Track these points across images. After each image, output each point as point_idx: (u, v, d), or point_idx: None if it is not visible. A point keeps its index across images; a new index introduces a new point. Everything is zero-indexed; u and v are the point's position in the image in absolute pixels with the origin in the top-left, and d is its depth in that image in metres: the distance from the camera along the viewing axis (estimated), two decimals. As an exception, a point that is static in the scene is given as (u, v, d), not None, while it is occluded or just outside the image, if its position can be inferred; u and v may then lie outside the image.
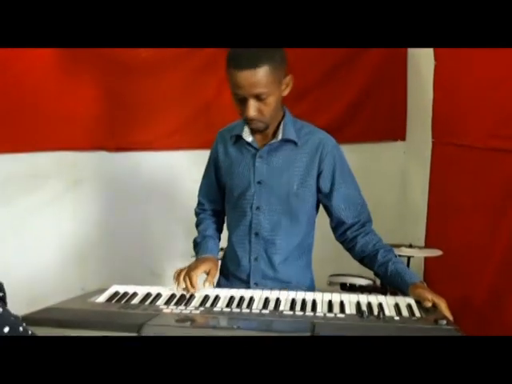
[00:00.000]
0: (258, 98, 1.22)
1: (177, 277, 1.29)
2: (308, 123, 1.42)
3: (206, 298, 1.24)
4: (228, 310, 1.14)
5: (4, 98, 2.22)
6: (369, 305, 1.18)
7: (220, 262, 1.59)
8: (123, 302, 1.22)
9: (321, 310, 1.15)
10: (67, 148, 2.43)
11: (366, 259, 1.38)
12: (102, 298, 1.24)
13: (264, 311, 1.12)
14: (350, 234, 1.39)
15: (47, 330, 0.99)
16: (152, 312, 1.10)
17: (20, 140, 2.30)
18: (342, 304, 1.18)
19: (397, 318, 1.08)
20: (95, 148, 2.49)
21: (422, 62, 2.41)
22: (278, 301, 1.20)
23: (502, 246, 1.75)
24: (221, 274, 1.54)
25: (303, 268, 1.46)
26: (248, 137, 1.37)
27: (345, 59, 2.49)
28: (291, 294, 1.24)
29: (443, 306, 1.14)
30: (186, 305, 1.19)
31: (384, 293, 1.97)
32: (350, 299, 1.21)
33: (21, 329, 0.78)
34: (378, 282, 2.11)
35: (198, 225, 1.55)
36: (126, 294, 1.27)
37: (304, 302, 1.19)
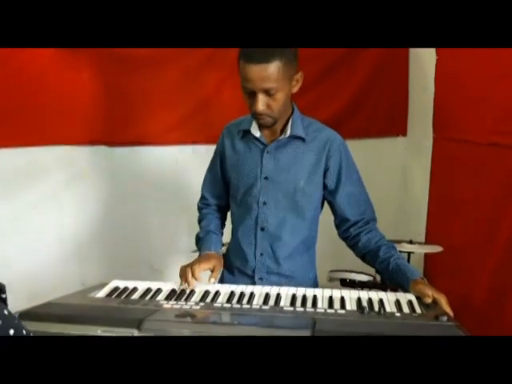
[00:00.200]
0: (268, 92, 1.22)
1: (183, 273, 1.29)
2: (316, 120, 1.42)
3: (207, 293, 1.23)
4: (228, 305, 1.13)
5: (3, 93, 2.21)
6: (369, 301, 1.17)
7: (224, 255, 1.59)
8: (123, 297, 1.22)
9: (321, 305, 1.15)
10: (67, 143, 2.42)
11: (367, 256, 1.38)
12: (102, 293, 1.24)
13: (264, 307, 1.12)
14: (354, 232, 1.40)
15: (47, 325, 0.99)
16: (152, 307, 1.10)
17: (19, 135, 2.29)
18: (342, 300, 1.17)
19: (398, 314, 1.08)
20: (95, 143, 2.48)
21: (423, 57, 2.40)
22: (278, 296, 1.20)
23: (503, 242, 1.75)
24: (225, 268, 1.54)
25: (307, 263, 1.46)
26: (256, 132, 1.37)
27: (346, 55, 2.48)
28: (292, 290, 1.24)
29: (443, 301, 1.14)
30: (186, 300, 1.18)
31: (384, 289, 1.97)
32: (351, 295, 1.21)
33: (24, 332, 0.78)
34: (378, 277, 2.11)
35: (200, 220, 1.54)
36: (126, 289, 1.27)
37: (304, 298, 1.19)
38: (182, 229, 2.61)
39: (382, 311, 1.07)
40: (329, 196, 1.41)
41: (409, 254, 2.01)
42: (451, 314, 1.10)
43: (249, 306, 1.13)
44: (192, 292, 1.25)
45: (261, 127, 1.36)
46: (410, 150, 2.66)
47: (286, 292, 1.23)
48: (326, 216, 1.48)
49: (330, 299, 1.18)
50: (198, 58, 2.42)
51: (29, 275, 2.36)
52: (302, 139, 1.36)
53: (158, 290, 1.26)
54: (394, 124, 2.64)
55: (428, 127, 2.33)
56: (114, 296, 1.23)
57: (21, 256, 2.36)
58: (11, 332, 0.75)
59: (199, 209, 1.58)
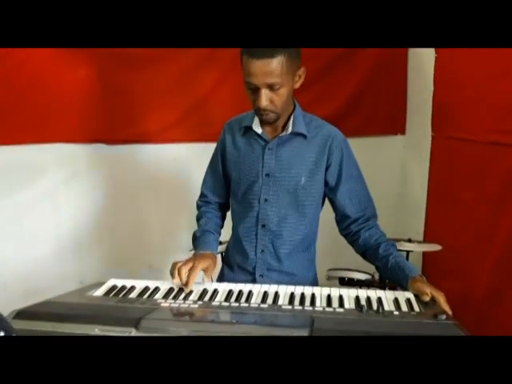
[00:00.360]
0: (271, 88, 1.22)
1: (173, 271, 1.28)
2: (317, 117, 1.42)
3: (205, 292, 1.23)
4: (227, 304, 1.13)
5: (2, 91, 2.21)
6: (368, 299, 1.17)
7: (223, 253, 1.59)
8: (121, 295, 1.22)
9: (320, 304, 1.15)
10: (65, 141, 2.41)
11: (367, 253, 1.38)
12: (99, 292, 1.24)
13: (263, 305, 1.12)
14: (354, 228, 1.40)
15: (44, 324, 0.98)
16: (150, 306, 1.10)
17: (17, 132, 2.29)
18: (341, 298, 1.17)
19: (396, 312, 1.08)
20: (93, 140, 2.47)
21: (422, 55, 2.40)
22: (276, 295, 1.19)
23: (502, 241, 1.74)
24: (225, 264, 1.54)
25: (308, 260, 1.47)
26: (258, 128, 1.37)
27: (345, 53, 2.47)
28: (290, 289, 1.24)
29: (442, 299, 1.14)
30: (184, 299, 1.18)
31: (382, 287, 1.97)
32: (349, 294, 1.21)
33: (13, 334, 0.77)
34: (377, 276, 2.11)
35: (199, 218, 1.53)
36: (123, 287, 1.27)
37: (303, 297, 1.19)
38: (181, 227, 2.61)
39: (381, 310, 1.07)
40: (329, 193, 1.41)
41: (407, 252, 2.01)
42: (450, 312, 1.10)
43: (247, 305, 1.12)
44: (190, 291, 1.24)
45: (262, 124, 1.36)
46: (408, 149, 2.65)
47: (285, 290, 1.23)
48: (324, 214, 1.48)
49: (329, 298, 1.18)
50: (196, 56, 2.42)
51: (26, 273, 2.35)
52: (304, 136, 1.35)
53: (156, 289, 1.26)
54: (392, 122, 2.64)
55: (427, 126, 2.33)
56: (111, 295, 1.22)
57: (18, 254, 2.35)
58: (1, 334, 0.74)
59: (198, 207, 1.57)
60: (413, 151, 2.61)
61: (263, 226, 1.39)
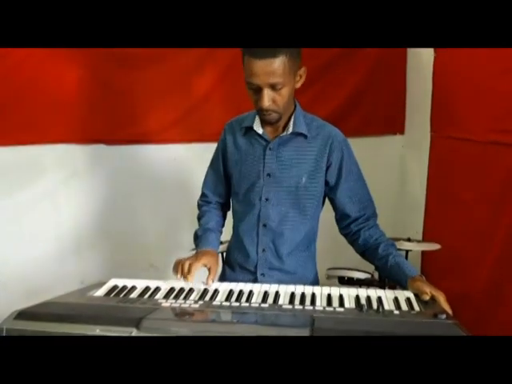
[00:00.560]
0: (274, 87, 1.22)
1: (176, 266, 1.29)
2: (317, 117, 1.42)
3: (205, 291, 1.23)
4: (227, 303, 1.13)
5: (1, 91, 2.20)
6: (368, 299, 1.17)
7: (225, 252, 1.60)
8: (122, 295, 1.22)
9: (320, 303, 1.15)
10: (65, 141, 2.41)
11: (367, 252, 1.38)
12: (100, 292, 1.24)
13: (263, 305, 1.12)
14: (354, 228, 1.41)
15: (45, 324, 0.98)
16: (151, 306, 1.10)
17: (17, 133, 2.29)
18: (341, 298, 1.18)
19: (396, 311, 1.08)
20: (93, 141, 2.47)
21: (421, 55, 2.40)
22: (277, 295, 1.20)
23: (501, 240, 1.75)
24: (226, 264, 1.55)
25: (308, 259, 1.47)
26: (259, 128, 1.37)
27: (344, 53, 2.48)
28: (290, 288, 1.24)
29: (442, 299, 1.14)
30: (185, 299, 1.18)
31: (382, 286, 1.97)
32: (349, 293, 1.21)
33: None
34: (376, 275, 2.11)
35: (200, 217, 1.54)
36: (124, 287, 1.27)
37: (303, 296, 1.19)
38: (182, 227, 2.61)
39: (381, 309, 1.08)
40: (330, 192, 1.41)
41: (406, 251, 2.01)
42: (450, 311, 1.11)
43: (247, 305, 1.13)
44: (191, 290, 1.24)
45: (263, 124, 1.36)
46: (407, 148, 2.66)
47: (285, 290, 1.23)
48: (324, 213, 1.49)
49: (329, 297, 1.18)
50: (196, 56, 2.42)
51: (27, 274, 2.36)
52: (305, 136, 1.36)
53: (157, 289, 1.26)
54: (391, 122, 2.64)
55: (426, 125, 2.33)
56: (112, 295, 1.22)
57: (19, 254, 2.35)
58: None
59: (199, 206, 1.57)
60: (412, 151, 2.62)
61: (264, 225, 1.40)
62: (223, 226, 1.56)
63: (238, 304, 1.13)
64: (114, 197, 2.56)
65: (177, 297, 1.20)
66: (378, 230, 1.40)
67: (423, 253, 2.37)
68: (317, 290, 1.23)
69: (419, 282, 1.21)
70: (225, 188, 1.52)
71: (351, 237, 1.43)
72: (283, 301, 1.17)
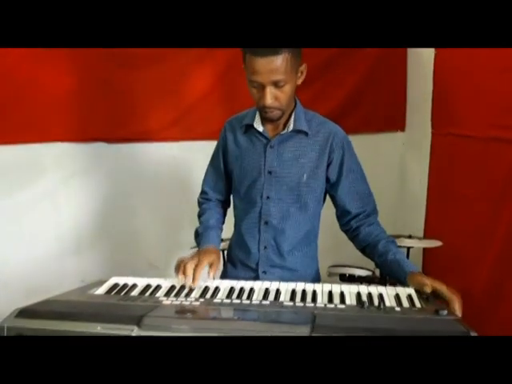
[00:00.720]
0: (276, 85, 1.22)
1: (178, 268, 1.28)
2: (319, 114, 1.42)
3: (206, 289, 1.23)
4: (228, 301, 1.13)
5: (0, 89, 2.20)
6: (369, 295, 1.17)
7: (226, 251, 1.60)
8: (122, 293, 1.22)
9: (321, 300, 1.15)
10: (64, 139, 2.41)
11: (367, 249, 1.38)
12: (101, 290, 1.24)
13: (264, 302, 1.12)
14: (354, 224, 1.41)
15: (46, 323, 0.98)
16: (152, 304, 1.10)
17: (17, 132, 2.28)
18: (342, 295, 1.17)
19: (397, 308, 1.08)
20: (93, 139, 2.47)
21: (422, 52, 2.40)
22: (278, 292, 1.20)
23: (502, 237, 1.75)
24: (228, 261, 1.55)
25: (310, 256, 1.47)
26: (259, 126, 1.37)
27: (344, 50, 2.47)
28: (291, 285, 1.24)
29: (444, 288, 1.13)
30: (186, 296, 1.18)
31: (383, 283, 1.97)
32: (351, 290, 1.21)
33: None
34: (378, 272, 2.11)
35: (200, 215, 1.54)
36: (125, 285, 1.27)
37: (304, 293, 1.19)
38: (182, 225, 2.61)
39: (382, 306, 1.07)
40: (331, 189, 1.41)
41: (408, 248, 2.02)
42: (456, 298, 1.11)
43: (248, 302, 1.12)
44: (192, 288, 1.24)
45: (264, 121, 1.36)
46: (408, 146, 2.66)
47: (286, 287, 1.23)
48: (325, 211, 1.49)
49: (330, 294, 1.18)
50: (196, 54, 2.42)
51: (27, 272, 2.35)
52: (305, 133, 1.36)
53: (158, 287, 1.26)
54: (392, 119, 2.64)
55: (426, 122, 2.33)
56: (113, 293, 1.22)
57: (19, 253, 2.35)
58: None
59: (199, 203, 1.57)
60: (412, 148, 2.62)
61: (266, 222, 1.40)
62: (223, 223, 1.56)
63: (239, 301, 1.13)
64: (113, 195, 2.55)
65: (178, 294, 1.20)
66: (378, 227, 1.40)
67: (424, 250, 2.37)
68: (318, 287, 1.23)
69: (419, 276, 1.20)
70: (225, 185, 1.52)
71: (351, 233, 1.43)
72: (284, 298, 1.17)
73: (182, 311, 1.04)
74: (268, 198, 1.38)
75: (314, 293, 1.19)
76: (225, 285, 1.26)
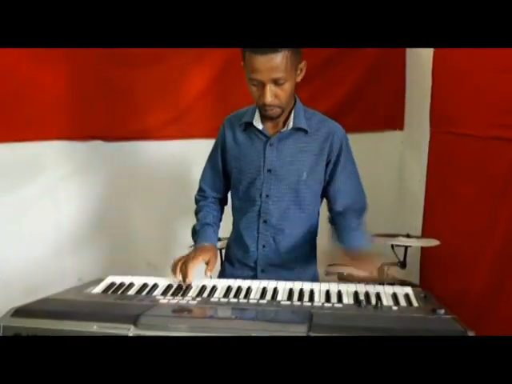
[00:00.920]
0: (276, 82, 1.22)
1: (174, 267, 1.28)
2: (318, 112, 1.42)
3: (203, 288, 1.23)
4: (225, 300, 1.13)
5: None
6: (366, 294, 1.17)
7: (224, 249, 1.60)
8: (119, 292, 1.22)
9: (319, 299, 1.15)
10: (63, 138, 2.41)
11: (335, 230, 1.40)
12: (98, 289, 1.24)
13: (262, 301, 1.12)
14: (338, 220, 1.41)
15: (43, 321, 0.98)
16: (148, 303, 1.10)
17: (16, 130, 2.28)
18: (339, 294, 1.17)
19: (394, 307, 1.08)
20: (91, 137, 2.47)
21: (420, 51, 2.39)
22: (275, 291, 1.19)
23: (500, 236, 1.74)
24: (226, 260, 1.55)
25: (309, 255, 1.48)
26: (259, 124, 1.37)
27: (342, 49, 2.47)
28: (289, 284, 1.24)
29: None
30: (183, 295, 1.18)
31: (381, 283, 1.97)
32: (348, 289, 1.21)
33: None
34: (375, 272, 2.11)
35: (197, 212, 1.53)
36: (122, 284, 1.27)
37: (302, 292, 1.19)
38: (180, 224, 2.60)
39: (379, 305, 1.07)
40: (326, 185, 1.41)
41: (405, 247, 2.01)
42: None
43: (246, 301, 1.13)
44: (189, 287, 1.24)
45: (263, 119, 1.36)
46: (407, 144, 2.65)
47: (283, 286, 1.23)
48: (323, 209, 1.48)
49: (327, 293, 1.18)
50: (195, 53, 2.41)
51: (25, 270, 2.35)
52: (305, 131, 1.36)
53: (155, 286, 1.26)
54: (391, 118, 2.64)
55: (425, 121, 2.33)
56: (110, 292, 1.22)
57: (18, 251, 2.35)
58: None
59: (196, 201, 1.57)
60: (411, 147, 2.62)
61: (265, 221, 1.40)
62: (221, 220, 1.56)
63: (236, 300, 1.13)
64: (112, 194, 2.55)
65: (175, 293, 1.20)
66: (355, 220, 1.38)
67: (422, 249, 2.37)
68: (315, 286, 1.23)
69: (348, 253, 1.25)
70: (222, 183, 1.52)
71: (333, 226, 1.43)
72: (282, 297, 1.17)
73: (178, 310, 1.04)
74: (267, 196, 1.38)
75: (312, 292, 1.19)
76: (222, 284, 1.26)
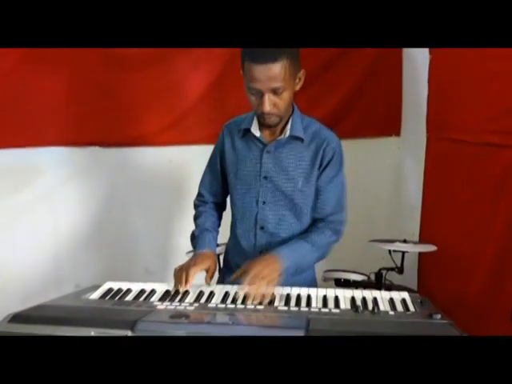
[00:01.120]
0: (275, 92, 1.23)
1: (178, 275, 1.29)
2: (315, 120, 1.43)
3: (201, 293, 1.23)
4: (223, 305, 1.13)
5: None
6: (363, 300, 1.18)
7: (223, 255, 1.60)
8: (117, 298, 1.22)
9: (316, 305, 1.15)
10: (60, 144, 2.41)
11: None
12: (95, 295, 1.24)
13: (259, 307, 1.12)
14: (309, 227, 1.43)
15: (40, 327, 0.98)
16: (146, 308, 1.10)
17: (12, 136, 2.27)
18: (336, 299, 1.18)
19: (391, 312, 1.08)
20: (88, 143, 2.46)
21: (417, 57, 2.41)
22: (273, 296, 1.19)
23: (496, 241, 1.75)
24: (224, 265, 1.56)
25: None
26: (256, 131, 1.38)
27: (339, 55, 2.48)
28: (286, 290, 1.24)
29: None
30: (180, 301, 1.18)
31: (378, 288, 1.98)
32: (345, 294, 1.21)
33: None
34: (373, 277, 2.12)
35: (196, 217, 1.54)
36: (119, 290, 1.27)
37: (299, 298, 1.19)
38: (177, 230, 2.60)
39: (376, 310, 1.08)
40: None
41: (403, 253, 2.02)
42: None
43: (243, 306, 1.13)
44: (186, 293, 1.24)
45: (261, 126, 1.37)
46: (403, 150, 2.66)
47: (281, 292, 1.23)
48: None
49: (325, 298, 1.18)
50: (192, 58, 2.42)
51: (22, 276, 2.35)
52: (301, 139, 1.36)
53: (152, 291, 1.26)
54: (387, 124, 2.65)
55: (421, 127, 2.34)
56: (107, 298, 1.22)
57: (14, 258, 2.34)
58: None
59: (195, 206, 1.57)
60: (408, 152, 2.63)
61: (261, 227, 1.40)
62: (219, 225, 1.57)
63: (233, 306, 1.13)
64: (109, 200, 2.55)
65: (172, 299, 1.20)
66: (318, 233, 1.38)
67: (420, 254, 2.37)
68: (312, 291, 1.23)
69: (258, 259, 1.26)
70: (221, 188, 1.52)
71: None
72: (279, 302, 1.17)
73: (176, 316, 1.04)
74: (264, 203, 1.39)
75: (309, 297, 1.19)
76: (219, 289, 1.26)
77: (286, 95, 1.25)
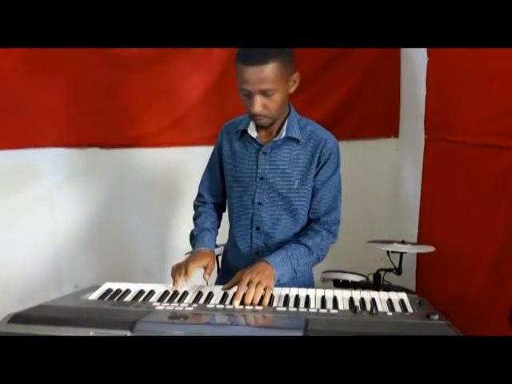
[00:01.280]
0: (265, 93, 1.23)
1: (175, 272, 1.29)
2: (312, 121, 1.43)
3: (200, 294, 1.24)
4: (221, 306, 1.14)
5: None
6: (362, 300, 1.18)
7: (221, 256, 1.61)
8: (116, 299, 1.22)
9: (314, 305, 1.15)
10: (59, 145, 2.41)
11: None
12: (94, 296, 1.24)
13: (258, 307, 1.12)
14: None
15: (40, 328, 0.98)
16: (145, 309, 1.10)
17: (11, 137, 2.28)
18: (335, 300, 1.18)
19: (389, 313, 1.09)
20: (87, 145, 2.47)
21: (415, 59, 2.42)
22: (271, 297, 1.20)
23: (495, 242, 1.76)
24: (223, 266, 1.57)
25: None
26: (253, 132, 1.38)
27: (338, 56, 2.49)
28: (284, 290, 1.25)
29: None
30: (179, 302, 1.18)
31: (377, 289, 1.98)
32: (343, 295, 1.22)
33: None
34: (371, 278, 2.12)
35: (195, 218, 1.55)
36: (118, 291, 1.27)
37: (297, 298, 1.19)
38: (176, 231, 2.61)
39: (375, 311, 1.08)
40: None
41: (401, 254, 2.02)
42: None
43: (242, 307, 1.13)
44: (185, 293, 1.24)
45: (258, 127, 1.38)
46: (402, 151, 2.67)
47: (279, 293, 1.24)
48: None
49: (323, 299, 1.19)
50: (191, 59, 2.43)
51: (21, 277, 2.35)
52: (297, 140, 1.37)
53: (151, 292, 1.26)
54: (386, 125, 2.65)
55: (420, 128, 2.35)
56: (106, 298, 1.22)
57: (13, 258, 2.35)
58: None
59: (195, 206, 1.58)
60: (406, 154, 2.63)
61: (257, 228, 1.41)
62: (219, 226, 1.57)
63: (232, 307, 1.13)
64: (109, 201, 2.55)
65: (171, 300, 1.20)
66: (313, 235, 1.38)
67: (418, 255, 2.38)
68: (311, 292, 1.24)
69: (249, 268, 1.24)
70: (221, 189, 1.53)
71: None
72: (277, 303, 1.17)
73: (175, 316, 1.04)
74: (260, 203, 1.39)
75: (307, 298, 1.20)
76: (218, 290, 1.26)
77: (278, 97, 1.25)
